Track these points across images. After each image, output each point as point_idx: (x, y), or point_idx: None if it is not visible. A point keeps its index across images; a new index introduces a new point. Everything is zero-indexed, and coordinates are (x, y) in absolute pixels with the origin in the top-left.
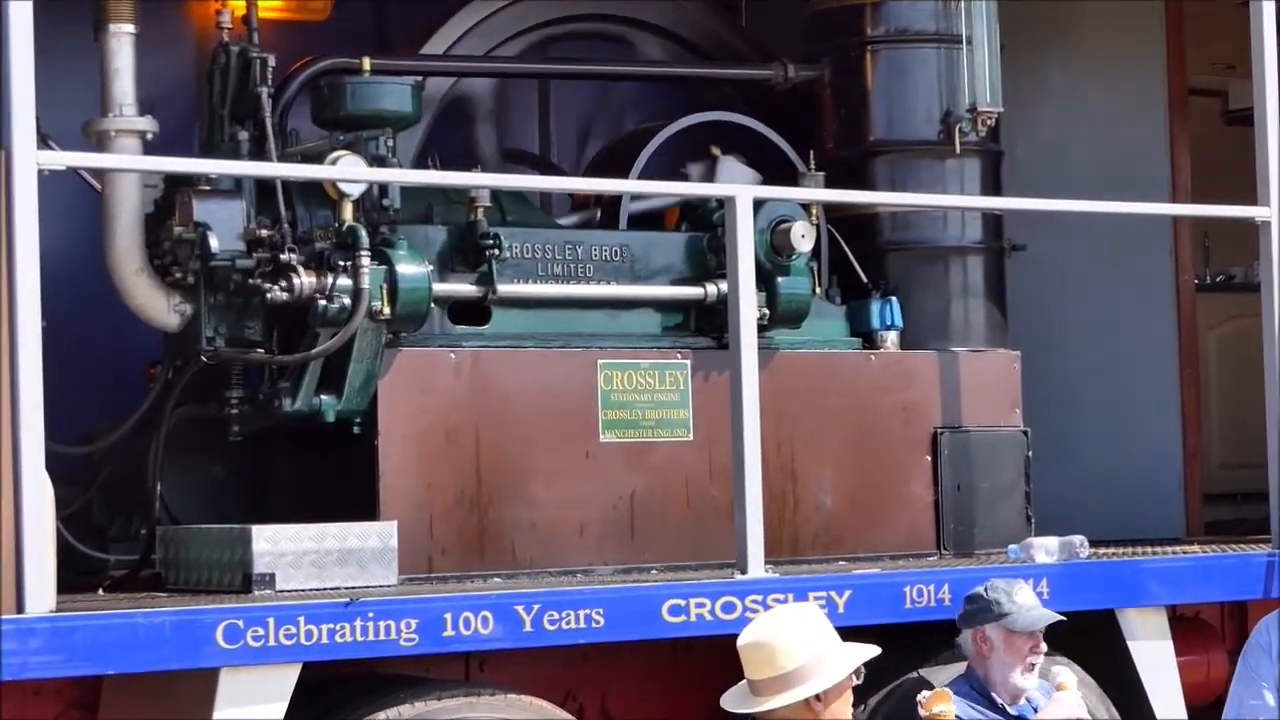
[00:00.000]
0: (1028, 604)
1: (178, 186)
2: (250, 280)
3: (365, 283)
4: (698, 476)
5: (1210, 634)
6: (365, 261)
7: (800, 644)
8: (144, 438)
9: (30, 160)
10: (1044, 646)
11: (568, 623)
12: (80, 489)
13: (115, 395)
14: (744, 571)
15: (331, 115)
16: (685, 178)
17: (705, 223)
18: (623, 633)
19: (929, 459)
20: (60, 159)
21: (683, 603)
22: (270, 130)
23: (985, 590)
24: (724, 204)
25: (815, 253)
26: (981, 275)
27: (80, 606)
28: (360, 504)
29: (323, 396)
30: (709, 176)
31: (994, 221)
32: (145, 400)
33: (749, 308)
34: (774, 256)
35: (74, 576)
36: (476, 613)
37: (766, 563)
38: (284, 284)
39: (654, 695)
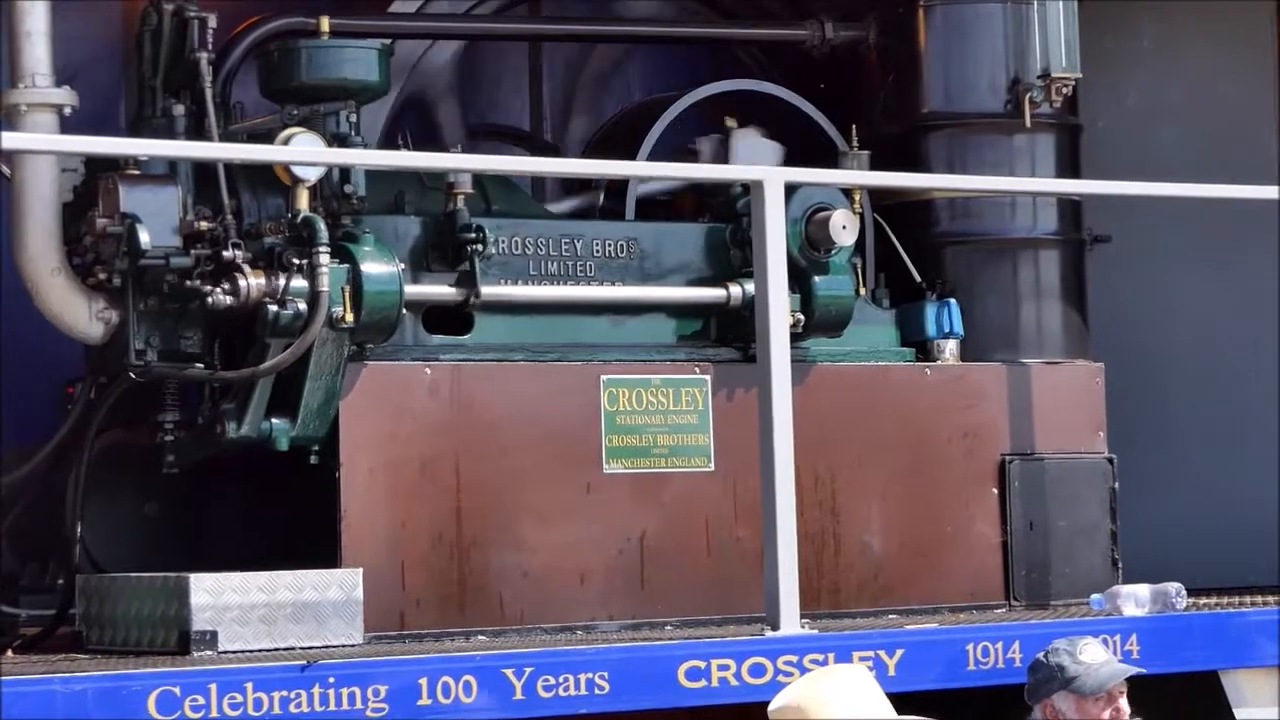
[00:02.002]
0: (1096, 661)
1: (101, 171)
2: (187, 282)
3: (324, 285)
4: (720, 514)
5: None
6: (324, 259)
7: (844, 713)
8: (61, 469)
9: None
10: (1126, 708)
11: (566, 689)
12: None
13: (27, 418)
14: (775, 627)
15: (283, 85)
16: (694, 156)
17: (728, 211)
18: (632, 700)
19: (996, 492)
20: None
21: (703, 665)
22: (210, 104)
23: (1046, 655)
24: (750, 189)
25: (859, 247)
26: (1057, 273)
27: None
28: (319, 548)
29: (274, 420)
30: (722, 155)
31: (1071, 209)
32: (63, 425)
33: (780, 312)
34: (810, 251)
35: None
36: (457, 678)
37: (802, 617)
38: (228, 286)
39: None
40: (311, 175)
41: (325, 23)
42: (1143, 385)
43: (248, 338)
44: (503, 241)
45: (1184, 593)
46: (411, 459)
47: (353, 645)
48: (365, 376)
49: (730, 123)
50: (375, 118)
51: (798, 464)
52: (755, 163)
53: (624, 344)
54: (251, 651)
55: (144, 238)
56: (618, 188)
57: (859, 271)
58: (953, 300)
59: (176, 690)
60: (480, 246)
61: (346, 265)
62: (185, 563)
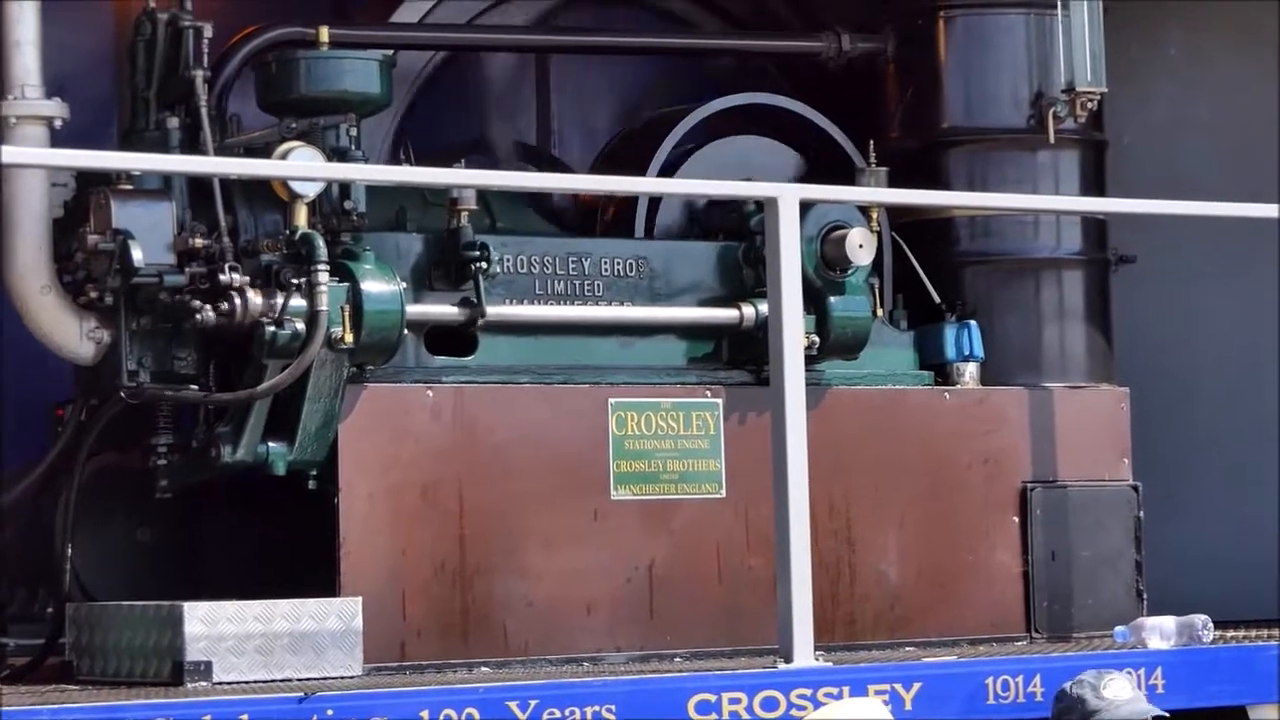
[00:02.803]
0: (1119, 698)
1: (93, 185)
2: (182, 301)
3: (323, 304)
4: (732, 542)
5: None
6: (323, 278)
7: None
8: (51, 493)
9: None
10: None
11: None
12: None
13: (16, 440)
14: (789, 660)
15: (281, 98)
16: None
17: (741, 229)
18: None
19: (1017, 521)
20: None
21: (713, 698)
22: (206, 117)
23: (1070, 687)
24: (764, 206)
25: (876, 266)
26: (1081, 294)
27: None
28: (317, 576)
29: (271, 444)
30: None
31: (1096, 228)
32: (53, 448)
33: (795, 334)
34: (825, 271)
35: None
36: (460, 710)
37: (816, 649)
38: (223, 305)
39: None
40: (310, 191)
41: (325, 33)
42: (1170, 410)
43: (244, 358)
44: (508, 259)
45: (1211, 625)
46: (413, 484)
47: (352, 677)
48: (365, 399)
49: None
50: (376, 132)
51: (812, 491)
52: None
53: (633, 366)
54: (247, 683)
55: (137, 255)
56: (627, 206)
57: (876, 292)
58: (973, 322)
59: None
60: (484, 265)
61: (346, 284)
62: (179, 591)
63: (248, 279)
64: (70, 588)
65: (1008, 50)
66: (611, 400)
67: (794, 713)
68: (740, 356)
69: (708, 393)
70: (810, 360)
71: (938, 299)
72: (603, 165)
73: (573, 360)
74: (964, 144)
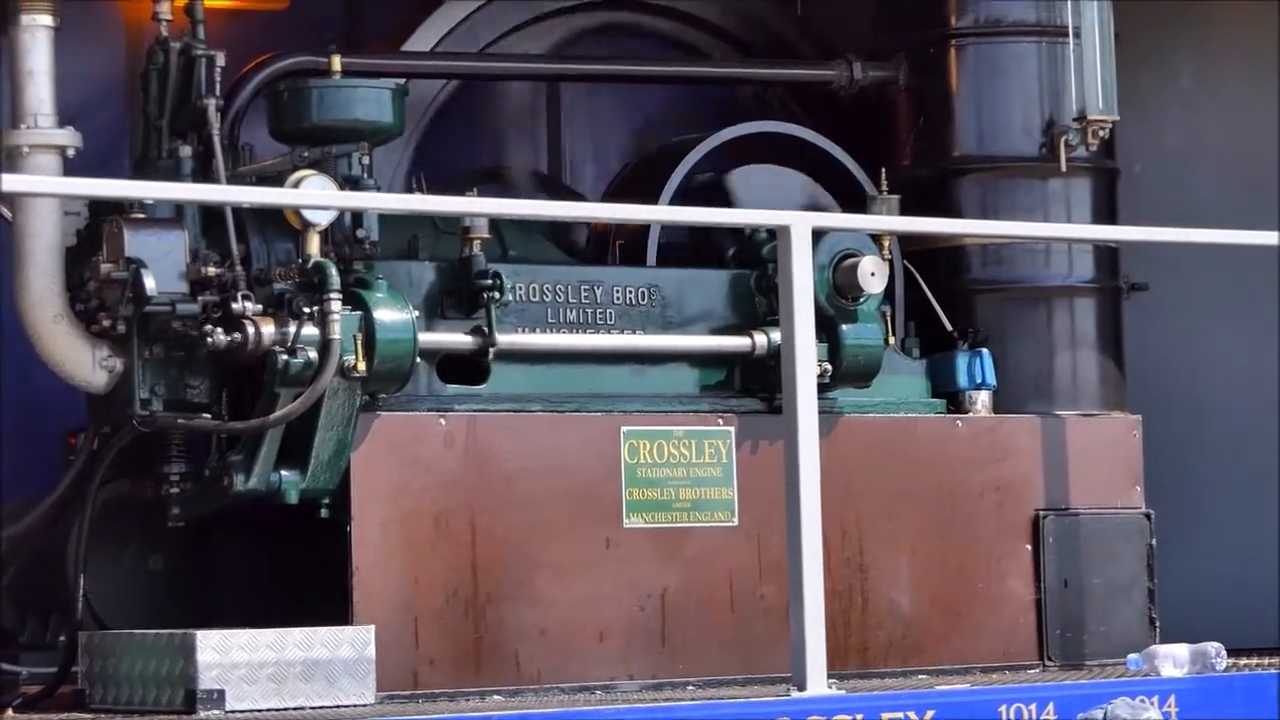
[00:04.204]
0: None
1: (106, 214)
2: (194, 329)
3: (336, 332)
4: (744, 570)
5: None
6: (336, 306)
7: None
8: (63, 522)
9: None
10: None
11: None
12: None
13: (28, 469)
14: (801, 688)
15: (294, 126)
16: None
17: (753, 257)
18: None
19: (1029, 548)
20: None
21: None
22: (218, 145)
23: (1105, 714)
24: (776, 234)
25: (888, 294)
26: (1093, 322)
27: None
28: (330, 604)
29: (283, 473)
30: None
31: (1108, 255)
32: (65, 476)
33: (807, 362)
34: (837, 299)
35: None
36: None
37: (829, 677)
38: (236, 334)
39: None
40: (323, 219)
41: (337, 61)
42: (1182, 437)
43: (257, 387)
44: (520, 288)
45: (1224, 653)
46: (425, 512)
47: (364, 705)
48: (378, 427)
49: None
50: (388, 161)
51: (825, 519)
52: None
53: (645, 394)
54: (260, 711)
55: (149, 283)
56: (639, 233)
57: (888, 320)
58: (985, 350)
59: None
60: (497, 293)
61: (359, 312)
62: (191, 619)
63: (260, 307)
64: (83, 616)
65: (1019, 78)
66: (624, 428)
67: None
68: (752, 384)
69: (720, 421)
70: (822, 388)
71: (950, 327)
72: (618, 191)
73: (585, 389)
74: (976, 172)
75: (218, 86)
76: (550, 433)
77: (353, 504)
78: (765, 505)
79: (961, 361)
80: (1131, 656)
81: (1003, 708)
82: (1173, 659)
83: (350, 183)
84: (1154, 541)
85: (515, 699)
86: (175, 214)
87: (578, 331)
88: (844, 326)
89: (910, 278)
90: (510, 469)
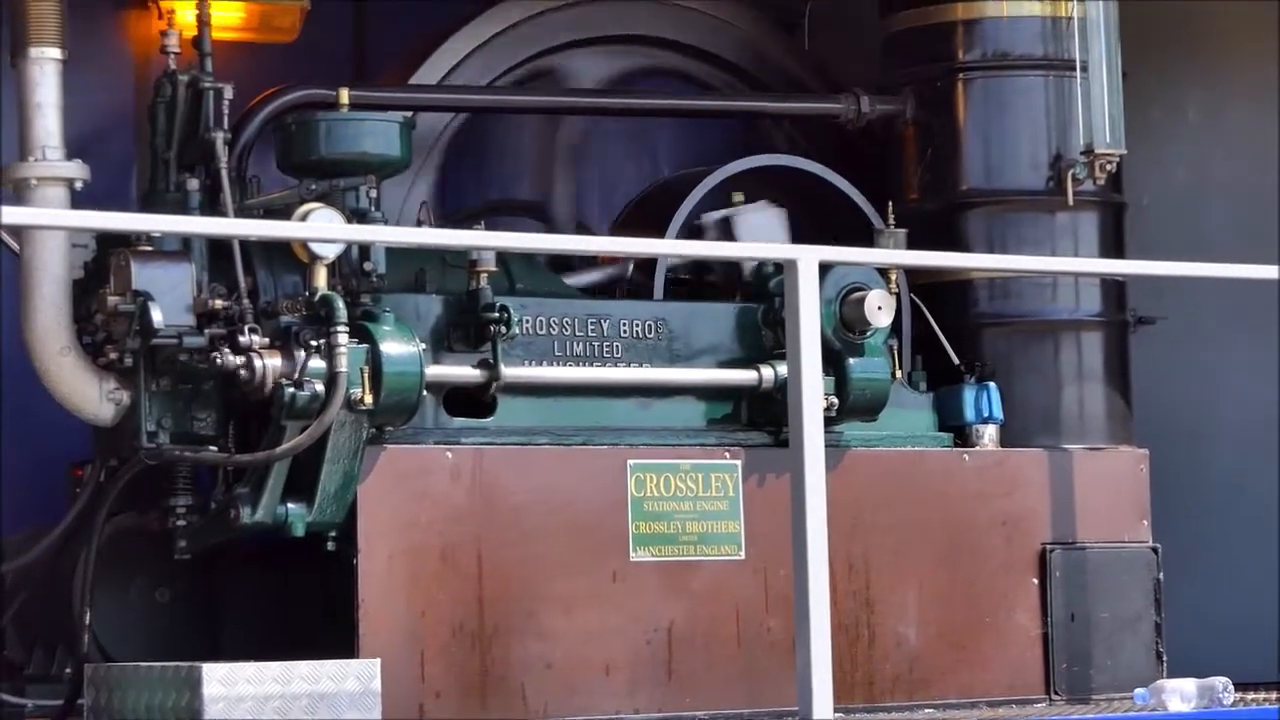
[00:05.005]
0: None
1: (113, 246)
2: (201, 362)
3: (342, 365)
4: (751, 604)
5: None
6: (342, 339)
7: None
8: (70, 554)
9: None
10: None
11: None
12: None
13: (34, 501)
14: None
15: (301, 159)
16: (700, 233)
17: (760, 291)
18: None
19: (1036, 582)
20: None
21: None
22: (226, 178)
23: None
24: (784, 268)
25: (895, 328)
26: (1100, 355)
27: None
28: (336, 637)
29: (290, 505)
30: (727, 234)
31: (1115, 289)
32: (71, 509)
33: (814, 395)
34: (844, 333)
35: None
36: None
37: (835, 710)
38: (243, 367)
39: None
40: (330, 252)
41: (344, 94)
42: (1189, 471)
43: (263, 419)
44: (527, 321)
45: (1231, 687)
46: (432, 545)
47: None
48: (384, 460)
49: (738, 197)
50: (395, 194)
51: (831, 552)
52: (764, 239)
53: (652, 427)
54: None
55: (156, 316)
56: (647, 265)
57: (895, 353)
58: (992, 384)
59: None
60: (504, 327)
61: (365, 345)
62: (198, 651)
63: (267, 340)
64: (89, 648)
65: (1026, 112)
66: (631, 461)
67: None
68: (759, 418)
69: (727, 454)
70: (829, 422)
71: (957, 360)
72: (624, 225)
73: (592, 422)
74: (983, 205)
75: (225, 119)
76: (557, 466)
77: (359, 537)
78: (772, 538)
79: (968, 395)
80: (1138, 691)
81: None
82: (1180, 693)
83: (357, 216)
84: (1161, 575)
85: None
86: (183, 246)
87: (585, 365)
88: (851, 360)
89: (917, 311)
90: (517, 502)
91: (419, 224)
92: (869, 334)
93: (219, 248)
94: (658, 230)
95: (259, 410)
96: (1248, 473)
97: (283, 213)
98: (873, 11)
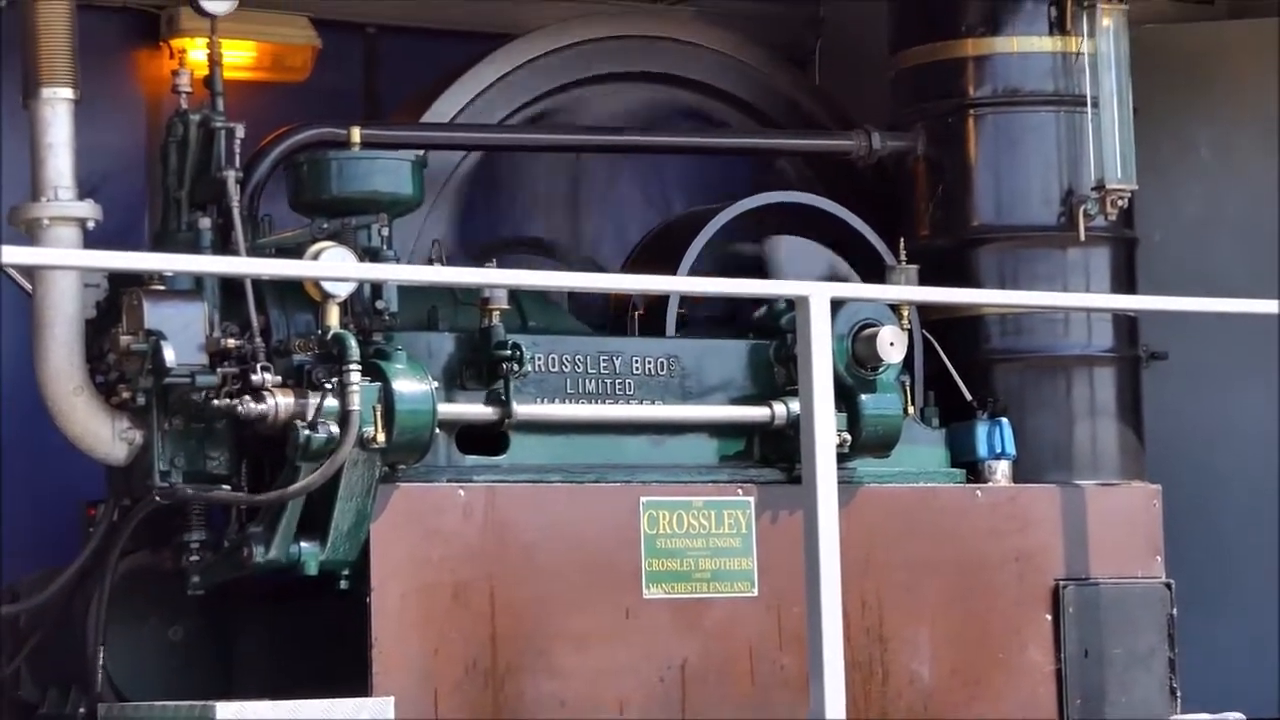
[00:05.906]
0: None
1: (125, 286)
2: (214, 401)
3: (355, 403)
4: (764, 641)
5: None
6: (355, 377)
7: None
8: (83, 594)
9: None
10: None
11: None
12: (4, 657)
13: (48, 541)
14: None
15: (313, 198)
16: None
17: (772, 327)
18: None
19: (1049, 618)
20: None
21: None
22: (238, 217)
23: None
24: (795, 305)
25: (907, 364)
26: (1113, 391)
27: None
28: (349, 675)
29: (303, 544)
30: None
31: (1127, 325)
32: (84, 548)
33: (826, 432)
34: (856, 369)
35: None
36: None
37: None
38: (256, 405)
39: None
40: (342, 291)
41: (356, 133)
42: (1203, 507)
43: (276, 459)
44: (539, 358)
45: None
46: (444, 584)
47: None
48: (397, 498)
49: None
50: (407, 232)
51: (844, 589)
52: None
53: (664, 464)
54: None
55: (169, 355)
56: (658, 303)
57: (907, 390)
58: (1004, 419)
59: None
60: (516, 364)
61: (378, 383)
62: (211, 690)
63: (279, 379)
64: (102, 688)
65: (1038, 148)
66: (643, 499)
67: None
68: (772, 454)
69: (739, 491)
70: (842, 458)
71: (969, 396)
72: (637, 261)
73: (604, 459)
74: (994, 241)
75: (237, 158)
76: (569, 503)
77: (372, 575)
78: (785, 575)
79: (981, 431)
80: None
81: None
82: None
83: (369, 254)
84: (1174, 611)
85: None
86: (195, 286)
87: (597, 402)
88: (863, 396)
89: (929, 347)
90: (529, 540)
91: (431, 262)
92: (881, 370)
93: (231, 287)
94: (670, 267)
95: (272, 448)
96: (1261, 508)
97: (295, 251)
98: (883, 47)
